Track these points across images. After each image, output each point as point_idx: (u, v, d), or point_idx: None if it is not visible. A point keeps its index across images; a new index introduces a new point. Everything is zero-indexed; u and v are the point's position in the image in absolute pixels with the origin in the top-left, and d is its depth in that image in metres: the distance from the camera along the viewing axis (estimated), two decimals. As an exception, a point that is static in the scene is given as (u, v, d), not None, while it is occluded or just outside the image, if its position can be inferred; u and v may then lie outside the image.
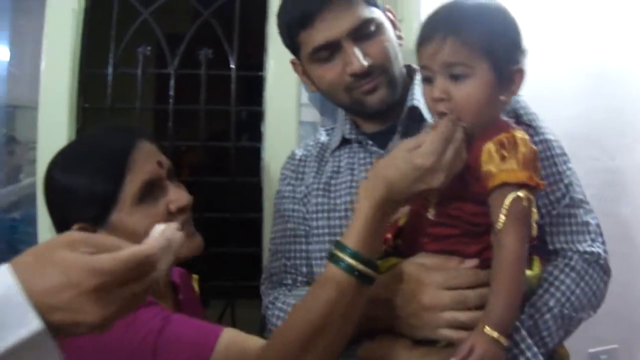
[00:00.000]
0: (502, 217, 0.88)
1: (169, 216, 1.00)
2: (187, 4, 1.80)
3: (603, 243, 1.10)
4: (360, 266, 0.89)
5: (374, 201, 0.91)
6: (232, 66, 1.74)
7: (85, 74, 1.72)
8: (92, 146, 1.08)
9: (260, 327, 1.24)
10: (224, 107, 1.74)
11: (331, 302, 0.89)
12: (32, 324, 0.55)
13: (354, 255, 0.90)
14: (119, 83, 1.76)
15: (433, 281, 0.96)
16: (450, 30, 0.92)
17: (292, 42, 1.20)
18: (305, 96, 1.70)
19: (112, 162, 1.00)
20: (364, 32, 1.14)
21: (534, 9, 1.83)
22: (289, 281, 1.25)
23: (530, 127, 1.10)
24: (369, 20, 1.14)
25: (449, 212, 0.97)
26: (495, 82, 0.93)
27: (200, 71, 1.73)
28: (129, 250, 0.59)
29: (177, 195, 1.03)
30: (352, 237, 0.91)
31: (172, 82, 1.73)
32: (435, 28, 0.95)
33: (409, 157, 0.90)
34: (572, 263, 1.05)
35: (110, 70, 1.73)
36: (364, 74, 1.13)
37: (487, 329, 0.87)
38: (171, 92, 1.73)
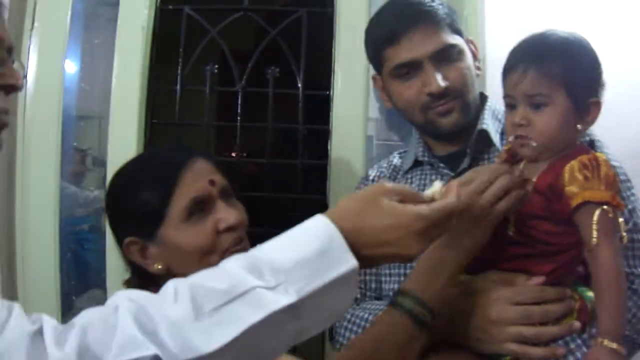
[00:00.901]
0: (594, 233, 0.90)
1: (217, 235, 1.00)
2: (253, 22, 1.85)
3: None
4: (419, 310, 0.92)
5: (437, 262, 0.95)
6: (300, 85, 1.77)
7: (154, 90, 1.77)
8: (146, 163, 1.11)
9: (329, 336, 1.27)
10: (293, 125, 1.77)
11: (390, 343, 0.92)
12: (350, 263, 0.69)
13: (415, 301, 0.93)
14: (184, 99, 1.80)
15: (500, 296, 0.98)
16: (533, 62, 0.97)
17: (376, 57, 1.25)
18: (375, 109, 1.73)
19: (162, 178, 1.01)
20: (445, 56, 1.18)
21: (591, 30, 1.84)
22: (358, 295, 1.27)
23: None
24: (452, 46, 1.18)
25: (526, 231, 0.98)
26: (573, 111, 0.97)
27: (267, 89, 1.77)
28: (442, 203, 0.77)
29: (226, 215, 1.02)
30: (412, 281, 0.95)
31: (239, 100, 1.77)
32: (519, 59, 0.99)
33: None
34: (634, 287, 1.06)
35: (178, 87, 1.78)
36: (440, 96, 1.17)
37: (606, 342, 0.88)
38: (239, 110, 1.76)
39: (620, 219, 0.93)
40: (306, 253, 0.68)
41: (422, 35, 1.17)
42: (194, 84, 1.81)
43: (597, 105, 0.98)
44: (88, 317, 0.64)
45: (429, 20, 1.17)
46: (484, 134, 1.21)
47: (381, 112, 1.79)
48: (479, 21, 1.75)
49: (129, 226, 1.03)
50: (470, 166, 1.19)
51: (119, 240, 1.05)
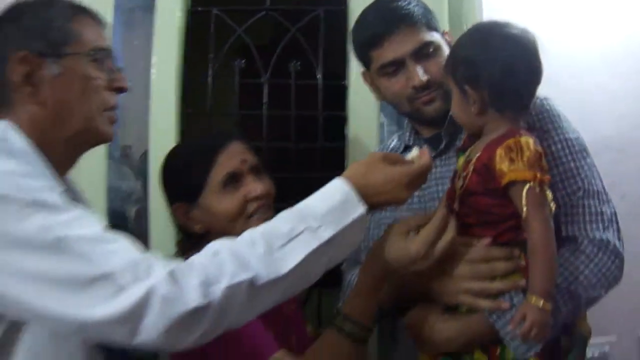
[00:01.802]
0: (524, 207, 1.06)
1: (245, 202, 1.24)
2: (274, 21, 2.02)
3: (617, 230, 1.22)
4: (355, 330, 1.11)
5: (371, 278, 1.14)
6: (319, 76, 1.95)
7: (188, 83, 1.95)
8: (193, 146, 1.39)
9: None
10: (312, 112, 1.96)
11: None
12: (362, 209, 0.98)
13: (352, 322, 1.11)
14: (214, 91, 1.99)
15: (454, 256, 1.15)
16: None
17: (363, 57, 1.42)
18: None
19: (203, 157, 1.27)
20: (425, 53, 1.34)
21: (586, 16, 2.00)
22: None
23: (548, 132, 1.25)
24: (429, 43, 1.34)
25: (469, 204, 1.15)
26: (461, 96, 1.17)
27: (289, 81, 1.95)
28: (418, 164, 1.05)
29: (254, 186, 1.27)
30: (350, 306, 1.14)
31: (264, 91, 1.96)
32: None
33: (404, 246, 1.09)
34: (582, 247, 1.18)
35: (210, 79, 1.97)
36: (423, 87, 1.33)
37: (534, 299, 1.04)
38: (265, 100, 1.95)
39: (548, 192, 1.08)
40: (333, 204, 0.96)
41: (402, 36, 1.31)
42: (222, 77, 2.00)
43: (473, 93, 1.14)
44: (199, 259, 0.89)
45: (407, 21, 1.32)
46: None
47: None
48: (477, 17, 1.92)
49: (177, 194, 1.28)
50: (446, 146, 1.38)
51: (169, 203, 1.32)
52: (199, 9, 2.02)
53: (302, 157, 1.94)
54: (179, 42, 1.95)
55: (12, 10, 1.06)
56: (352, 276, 1.43)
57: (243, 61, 1.97)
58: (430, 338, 1.17)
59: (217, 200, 1.24)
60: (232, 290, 0.85)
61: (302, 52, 1.97)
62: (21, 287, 0.82)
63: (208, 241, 0.97)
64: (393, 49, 1.32)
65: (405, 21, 1.32)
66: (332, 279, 1.75)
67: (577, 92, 1.90)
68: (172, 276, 0.83)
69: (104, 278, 0.81)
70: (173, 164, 1.33)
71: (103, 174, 1.88)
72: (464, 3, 2.00)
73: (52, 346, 0.93)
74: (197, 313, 0.83)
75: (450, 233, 1.09)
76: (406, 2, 1.34)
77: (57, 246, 0.82)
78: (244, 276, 0.86)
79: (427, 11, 1.38)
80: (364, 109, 1.90)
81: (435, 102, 1.35)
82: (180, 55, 1.95)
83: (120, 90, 1.10)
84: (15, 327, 0.90)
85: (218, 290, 0.84)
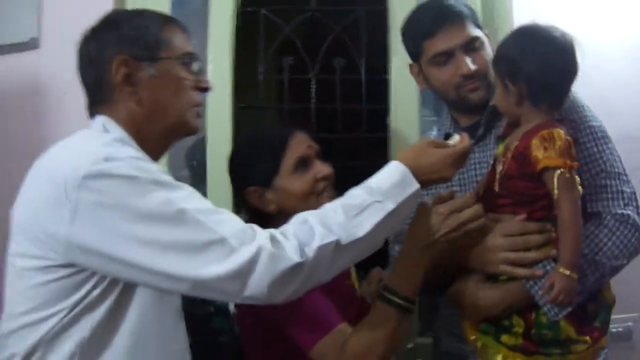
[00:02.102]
0: (555, 190, 1.21)
1: (315, 182, 1.39)
2: (320, 20, 2.18)
3: (636, 207, 1.36)
4: (403, 302, 1.23)
5: (410, 254, 1.24)
6: (362, 72, 2.12)
7: (240, 79, 2.11)
8: (262, 135, 1.51)
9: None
10: (356, 106, 2.12)
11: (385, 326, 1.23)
12: (415, 185, 1.14)
13: (400, 297, 1.22)
14: (264, 86, 2.15)
15: (493, 230, 1.30)
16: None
17: (415, 48, 1.56)
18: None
19: (276, 143, 1.41)
20: (472, 46, 1.49)
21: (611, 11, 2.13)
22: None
23: (574, 121, 1.38)
24: (476, 38, 1.50)
25: (507, 186, 1.30)
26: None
27: (334, 76, 2.12)
28: (459, 146, 1.21)
29: (322, 168, 1.42)
30: (395, 280, 1.25)
31: (312, 85, 2.13)
32: None
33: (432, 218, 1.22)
34: (605, 222, 1.31)
35: (260, 77, 2.13)
36: (470, 76, 1.48)
37: (562, 269, 1.19)
38: (312, 94, 2.12)
39: (576, 177, 1.23)
40: (393, 181, 1.13)
41: (454, 30, 1.47)
42: (272, 73, 2.16)
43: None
44: (291, 226, 1.06)
45: (457, 18, 1.48)
46: (495, 109, 1.44)
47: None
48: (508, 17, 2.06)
49: (251, 179, 1.41)
50: (484, 134, 1.52)
51: (239, 190, 1.46)
52: (249, 9, 2.17)
53: (348, 147, 2.10)
54: (231, 41, 2.09)
55: (110, 20, 1.21)
56: (396, 252, 1.58)
57: (291, 59, 2.13)
58: (474, 306, 1.32)
59: (290, 182, 1.38)
60: (322, 250, 1.02)
61: (346, 50, 2.13)
62: (145, 253, 0.98)
63: (276, 221, 1.15)
64: (445, 40, 1.47)
65: (456, 17, 1.48)
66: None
67: (600, 85, 2.02)
68: (274, 240, 1.01)
69: (218, 242, 0.98)
70: (245, 152, 1.47)
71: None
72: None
73: (156, 307, 1.09)
74: (295, 269, 1.00)
75: (476, 207, 1.22)
76: (456, 2, 1.51)
77: (179, 217, 0.99)
78: (331, 238, 1.03)
79: (472, 11, 1.53)
80: (404, 101, 2.06)
81: (479, 90, 1.48)
82: (233, 52, 2.09)
83: (205, 89, 1.26)
84: (128, 290, 1.05)
85: (311, 250, 1.01)
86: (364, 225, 1.07)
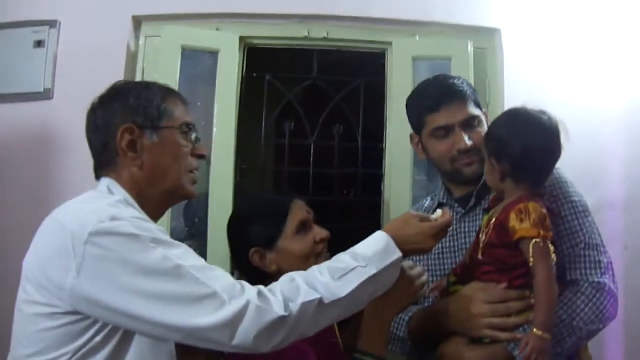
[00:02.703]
0: (531, 258, 1.29)
1: (315, 244, 1.46)
2: (320, 89, 2.30)
3: (613, 276, 1.42)
4: None
5: (377, 317, 1.32)
6: (359, 138, 2.22)
7: (242, 142, 2.21)
8: (267, 199, 1.61)
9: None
10: (355, 170, 2.22)
11: None
12: (398, 254, 1.20)
13: (369, 355, 1.31)
14: (265, 149, 2.25)
15: (479, 298, 1.38)
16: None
17: (418, 120, 1.63)
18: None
19: (279, 209, 1.49)
20: (471, 124, 1.57)
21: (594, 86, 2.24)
22: None
23: (557, 196, 1.47)
24: (475, 117, 1.58)
25: (490, 254, 1.38)
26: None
27: (333, 142, 2.23)
28: (441, 221, 1.27)
29: (321, 231, 1.50)
30: (366, 343, 1.33)
31: (311, 150, 2.23)
32: None
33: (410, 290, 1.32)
34: (583, 289, 1.37)
35: (262, 141, 2.24)
36: (466, 151, 1.56)
37: (535, 330, 1.25)
38: (311, 158, 2.23)
39: (551, 246, 1.30)
40: (377, 249, 1.20)
41: (456, 108, 1.55)
42: (273, 137, 2.26)
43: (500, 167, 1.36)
44: (279, 284, 1.13)
45: (460, 97, 1.57)
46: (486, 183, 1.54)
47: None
48: (499, 91, 2.18)
49: (253, 240, 1.48)
50: (474, 205, 1.60)
51: (240, 252, 1.51)
52: (254, 74, 2.29)
53: (343, 210, 2.18)
54: (236, 106, 2.20)
55: (117, 91, 1.30)
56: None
57: (292, 124, 2.25)
58: None
59: (292, 244, 1.45)
60: (305, 306, 1.08)
61: (345, 117, 2.25)
62: (145, 305, 1.05)
63: (275, 281, 1.22)
64: (447, 116, 1.54)
65: (459, 96, 1.56)
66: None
67: (585, 156, 2.11)
68: (261, 295, 1.09)
69: (211, 296, 1.06)
70: (247, 215, 1.55)
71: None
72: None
73: (152, 352, 1.14)
74: (280, 322, 1.06)
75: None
76: (460, 82, 1.60)
77: (176, 273, 1.07)
78: (315, 296, 1.10)
79: (475, 92, 1.61)
80: (398, 168, 2.14)
81: (474, 165, 1.55)
82: (236, 116, 2.20)
83: (201, 157, 1.36)
84: (127, 337, 1.11)
85: (295, 305, 1.07)
86: (347, 287, 1.13)
